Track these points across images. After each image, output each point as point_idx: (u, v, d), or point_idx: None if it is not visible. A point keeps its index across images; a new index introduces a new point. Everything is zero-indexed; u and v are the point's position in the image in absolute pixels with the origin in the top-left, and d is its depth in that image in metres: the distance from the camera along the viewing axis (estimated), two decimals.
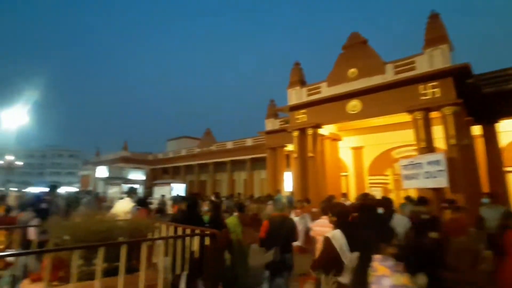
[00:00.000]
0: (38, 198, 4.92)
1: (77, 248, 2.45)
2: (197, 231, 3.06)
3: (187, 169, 27.92)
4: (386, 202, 4.34)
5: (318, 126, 12.89)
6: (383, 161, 14.80)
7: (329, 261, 2.47)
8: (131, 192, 4.80)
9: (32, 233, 4.43)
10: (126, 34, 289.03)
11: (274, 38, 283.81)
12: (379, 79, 11.02)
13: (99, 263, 2.38)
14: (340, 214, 2.75)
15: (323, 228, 3.10)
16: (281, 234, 3.77)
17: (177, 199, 10.86)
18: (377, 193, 11.37)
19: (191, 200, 4.39)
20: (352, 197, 12.58)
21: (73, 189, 33.29)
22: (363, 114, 11.50)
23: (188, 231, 3.36)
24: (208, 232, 2.97)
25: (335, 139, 14.63)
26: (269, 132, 17.55)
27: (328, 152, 13.93)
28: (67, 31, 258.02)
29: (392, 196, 11.46)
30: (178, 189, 17.65)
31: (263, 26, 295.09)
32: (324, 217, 3.39)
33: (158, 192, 16.33)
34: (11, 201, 9.77)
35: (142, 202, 4.77)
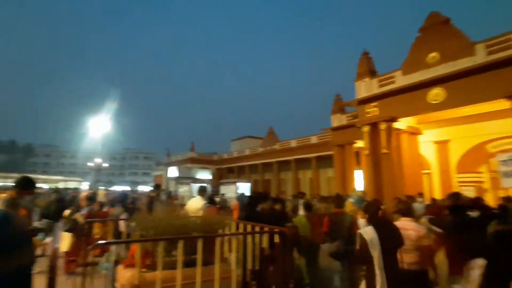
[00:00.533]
0: (125, 195, 5.77)
1: (160, 239, 2.81)
2: (266, 229, 3.19)
3: (251, 168, 28.97)
4: (481, 203, 3.82)
5: (393, 119, 11.97)
6: (476, 156, 12.96)
7: (363, 254, 2.77)
8: (202, 191, 5.25)
9: (122, 226, 5.24)
10: (190, 38, 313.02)
11: (333, 31, 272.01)
12: (466, 62, 9.83)
13: (179, 254, 2.69)
14: (371, 212, 3.13)
15: (404, 231, 2.90)
16: (343, 228, 4.14)
17: (240, 198, 11.45)
18: (469, 193, 10.06)
19: (252, 199, 4.61)
20: (438, 197, 11.38)
21: (148, 188, 37.75)
22: (447, 104, 10.36)
23: (257, 229, 3.53)
24: (277, 230, 3.08)
25: (413, 133, 13.36)
26: (335, 129, 16.99)
27: (406, 147, 12.80)
28: (130, 34, 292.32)
29: (488, 196, 10.29)
30: (244, 188, 18.48)
31: (320, 19, 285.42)
32: (404, 218, 3.17)
33: (225, 190, 17.34)
34: (101, 198, 11.61)
35: (212, 200, 5.17)
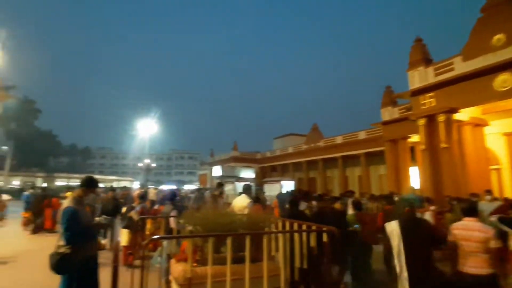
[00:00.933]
0: (174, 194, 6.18)
1: (209, 236, 2.98)
2: (314, 227, 3.20)
3: (295, 166, 28.83)
4: None
5: (453, 110, 11.04)
6: None
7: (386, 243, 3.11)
8: (246, 189, 5.41)
9: (172, 223, 5.62)
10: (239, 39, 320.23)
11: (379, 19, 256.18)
12: None
13: (228, 251, 2.83)
14: (398, 208, 3.53)
15: (467, 232, 2.70)
16: None
17: (280, 196, 11.50)
18: None
19: (293, 198, 4.62)
20: (509, 195, 10.25)
21: (193, 187, 39.60)
22: None
23: (304, 227, 3.55)
24: (325, 229, 3.07)
25: (478, 124, 12.15)
26: (386, 123, 16.14)
27: (469, 141, 11.70)
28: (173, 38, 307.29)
29: None
30: (288, 186, 18.49)
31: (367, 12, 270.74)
32: (468, 219, 2.94)
33: (268, 189, 17.52)
34: (152, 196, 12.51)
35: (257, 199, 5.31)
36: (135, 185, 33.07)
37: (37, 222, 10.25)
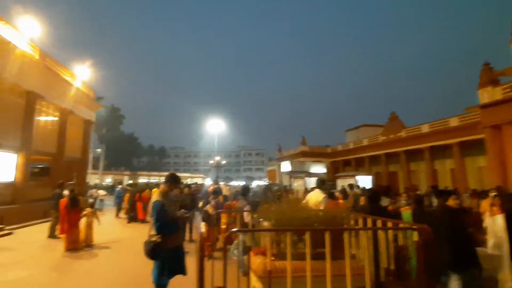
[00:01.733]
0: (247, 189, 6.47)
1: (287, 230, 3.04)
2: (401, 225, 3.00)
3: (371, 160, 27.25)
4: None
5: None
6: None
7: None
8: (321, 184, 5.34)
9: (246, 217, 5.91)
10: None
11: None
12: None
13: (307, 246, 2.85)
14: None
15: None
16: None
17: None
18: None
19: (373, 194, 4.33)
20: None
21: (262, 182, 40.63)
22: None
23: (389, 224, 3.36)
24: (415, 227, 2.86)
25: None
26: (486, 106, 14.02)
27: None
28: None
29: None
30: (364, 181, 17.62)
31: None
32: None
33: (342, 184, 16.99)
34: (224, 192, 13.27)
35: (332, 194, 5.21)
36: (207, 182, 35.47)
37: (131, 214, 12.49)
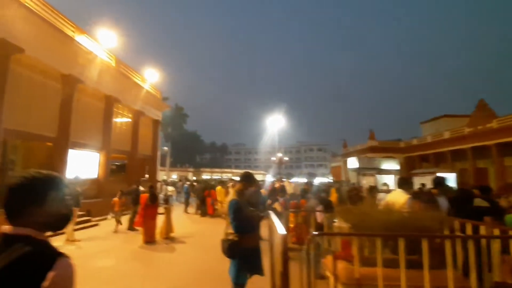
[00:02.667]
0: (318, 188, 6.36)
1: (378, 235, 2.88)
2: None
3: (454, 155, 24.65)
4: None
5: None
6: None
7: None
8: (403, 183, 4.95)
9: (319, 217, 5.80)
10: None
11: None
12: None
13: (400, 253, 2.66)
14: None
15: None
16: None
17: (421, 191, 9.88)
18: None
19: (462, 194, 3.87)
20: None
21: (325, 179, 39.66)
22: None
23: (496, 232, 2.98)
24: None
25: None
26: None
27: None
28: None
29: None
30: (447, 179, 16.00)
31: None
32: None
33: (419, 183, 15.71)
34: (290, 190, 13.25)
35: (417, 194, 4.78)
36: (268, 178, 35.95)
37: (202, 209, 13.89)
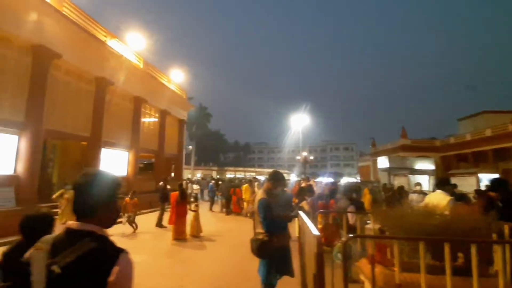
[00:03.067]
0: (353, 188, 6.20)
1: (421, 239, 2.75)
2: None
3: (496, 154, 23.24)
4: None
5: None
6: None
7: None
8: (443, 184, 4.73)
9: (351, 219, 5.66)
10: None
11: None
12: None
13: (446, 259, 2.53)
14: None
15: None
16: None
17: (481, 193, 9.32)
18: None
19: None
20: None
21: (352, 179, 38.75)
22: None
23: None
24: None
25: None
26: None
27: None
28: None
29: None
30: (488, 180, 15.18)
31: None
32: None
33: (459, 184, 15.02)
34: (317, 189, 13.03)
35: (461, 196, 4.54)
36: (292, 178, 35.68)
37: (228, 207, 14.25)
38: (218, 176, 32.42)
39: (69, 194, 8.39)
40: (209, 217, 12.78)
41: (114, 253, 1.10)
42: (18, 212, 8.35)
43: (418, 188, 11.41)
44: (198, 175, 48.95)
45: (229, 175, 49.75)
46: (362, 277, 3.68)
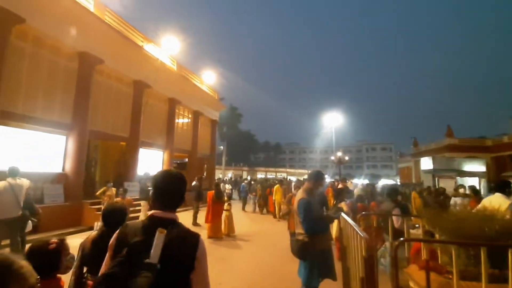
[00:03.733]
0: (395, 190, 6.01)
1: (481, 244, 2.62)
2: None
3: None
4: None
5: None
6: None
7: None
8: (503, 187, 4.45)
9: (396, 222, 5.47)
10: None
11: None
12: None
13: (510, 267, 2.39)
14: None
15: None
16: None
17: None
18: None
19: None
20: None
21: (391, 181, 37.33)
22: None
23: None
24: None
25: None
26: None
27: None
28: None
29: None
30: None
31: None
32: None
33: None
34: (357, 191, 12.73)
35: None
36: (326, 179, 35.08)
37: (267, 207, 14.63)
38: (249, 177, 32.70)
39: (111, 191, 8.91)
40: (242, 217, 12.94)
41: (195, 236, 1.45)
42: (66, 207, 9.03)
43: (461, 191, 10.65)
44: (229, 175, 49.61)
45: (259, 175, 49.96)
46: (412, 284, 3.55)
